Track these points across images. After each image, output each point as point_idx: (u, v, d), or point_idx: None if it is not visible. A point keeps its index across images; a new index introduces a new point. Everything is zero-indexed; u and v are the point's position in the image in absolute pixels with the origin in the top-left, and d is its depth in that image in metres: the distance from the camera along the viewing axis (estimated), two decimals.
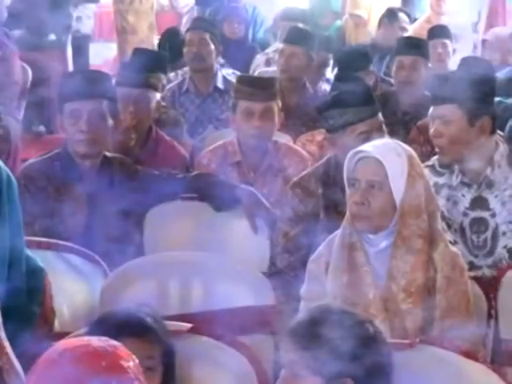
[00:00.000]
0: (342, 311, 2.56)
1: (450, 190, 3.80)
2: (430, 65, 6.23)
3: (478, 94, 3.70)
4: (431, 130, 3.85)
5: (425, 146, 4.61)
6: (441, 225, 3.27)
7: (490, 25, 9.54)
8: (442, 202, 3.75)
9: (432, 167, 3.84)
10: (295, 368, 2.42)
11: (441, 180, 3.82)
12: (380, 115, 4.02)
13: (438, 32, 7.78)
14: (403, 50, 6.22)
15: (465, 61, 6.22)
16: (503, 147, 3.79)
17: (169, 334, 2.66)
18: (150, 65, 5.09)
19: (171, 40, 7.46)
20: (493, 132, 3.77)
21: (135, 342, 2.45)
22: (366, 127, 3.90)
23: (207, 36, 6.62)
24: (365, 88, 4.34)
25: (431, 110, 3.86)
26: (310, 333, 2.43)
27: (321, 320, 2.45)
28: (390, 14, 8.81)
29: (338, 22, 9.93)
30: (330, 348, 2.39)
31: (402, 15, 8.83)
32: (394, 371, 2.53)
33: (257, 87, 4.49)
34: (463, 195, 3.78)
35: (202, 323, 2.99)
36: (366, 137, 3.84)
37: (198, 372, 2.79)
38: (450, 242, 3.65)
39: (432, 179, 3.80)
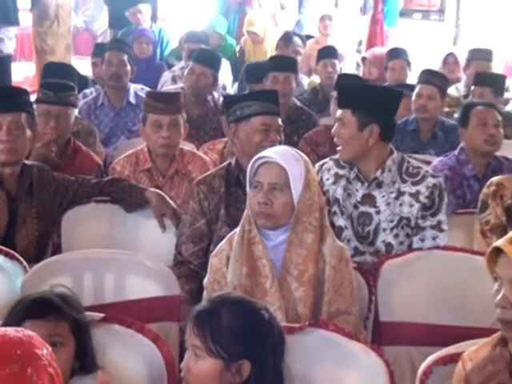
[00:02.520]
0: (239, 299, 2.57)
1: (347, 182, 3.83)
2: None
3: (369, 103, 3.75)
4: (332, 130, 3.91)
5: (312, 155, 4.64)
6: (328, 220, 3.30)
7: (370, 45, 9.72)
8: (339, 190, 3.83)
9: (336, 160, 3.89)
10: (197, 351, 2.42)
11: (341, 172, 3.86)
12: (280, 120, 4.06)
13: (328, 52, 7.88)
14: (277, 66, 6.33)
15: (340, 77, 6.31)
16: (396, 155, 3.82)
17: (79, 308, 2.63)
18: (68, 83, 5.04)
19: None
20: (387, 140, 3.80)
21: (39, 323, 2.47)
22: (269, 121, 3.98)
23: (125, 57, 6.57)
24: (272, 90, 4.50)
25: None
26: (210, 319, 2.43)
27: (220, 308, 2.46)
28: (286, 38, 8.88)
29: (230, 42, 10.08)
30: (229, 333, 2.41)
31: (296, 39, 8.91)
32: (287, 352, 2.55)
33: (164, 102, 4.48)
34: (357, 190, 3.81)
35: (113, 313, 2.96)
36: (266, 129, 3.96)
37: (111, 357, 2.75)
38: (341, 227, 3.75)
39: (334, 169, 3.88)
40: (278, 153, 3.13)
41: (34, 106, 4.29)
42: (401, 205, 3.74)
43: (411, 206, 3.73)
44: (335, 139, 3.85)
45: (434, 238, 3.73)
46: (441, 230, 3.74)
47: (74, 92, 4.97)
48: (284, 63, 6.50)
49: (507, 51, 10.54)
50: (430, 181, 3.75)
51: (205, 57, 6.65)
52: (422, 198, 3.72)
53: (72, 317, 2.55)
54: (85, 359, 2.58)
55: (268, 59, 6.96)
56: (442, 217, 3.75)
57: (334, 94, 5.11)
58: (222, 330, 2.41)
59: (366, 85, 4.31)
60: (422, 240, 3.73)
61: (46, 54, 8.29)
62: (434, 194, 3.73)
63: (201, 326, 2.42)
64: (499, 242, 2.37)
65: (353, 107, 3.75)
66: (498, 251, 2.38)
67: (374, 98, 3.79)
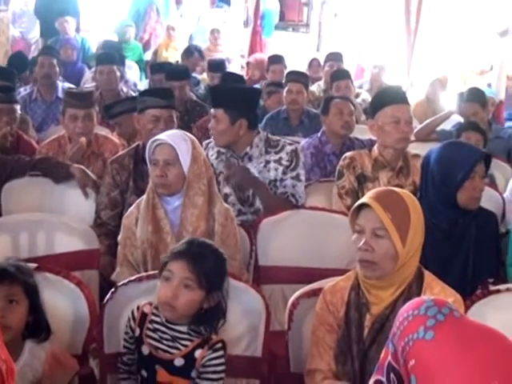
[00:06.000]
0: (204, 242, 2.60)
1: (226, 159, 3.83)
2: None
3: (237, 103, 3.75)
4: (209, 125, 3.90)
5: (203, 138, 4.60)
6: (217, 188, 3.30)
7: (251, 52, 9.75)
8: (222, 164, 3.82)
9: None
10: (189, 283, 2.44)
11: (222, 149, 3.86)
12: (174, 111, 4.02)
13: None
14: (173, 76, 6.26)
15: (225, 75, 6.33)
16: (262, 134, 3.86)
17: (30, 274, 2.54)
18: (10, 85, 5.02)
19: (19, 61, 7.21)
20: (253, 128, 3.81)
21: None
22: (157, 113, 3.93)
23: (54, 61, 6.53)
24: (167, 88, 4.50)
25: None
26: (201, 260, 2.47)
27: (207, 252, 2.51)
28: (188, 51, 8.83)
29: (136, 45, 10.22)
30: (213, 271, 2.49)
31: (196, 53, 8.84)
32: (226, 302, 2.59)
33: (79, 99, 4.40)
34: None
35: (45, 263, 2.91)
36: (156, 120, 3.92)
37: (44, 298, 2.67)
38: (227, 194, 3.76)
39: (217, 148, 3.88)
40: (169, 135, 3.14)
41: None
42: (268, 171, 3.79)
43: (276, 169, 3.79)
44: (211, 132, 3.86)
45: (293, 186, 3.79)
46: (299, 180, 3.81)
47: (15, 92, 5.02)
48: (177, 71, 6.51)
49: (358, 56, 10.71)
50: (289, 148, 3.82)
51: (107, 57, 6.73)
52: (284, 162, 3.78)
53: (24, 280, 2.49)
54: (36, 315, 2.51)
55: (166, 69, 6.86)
56: (300, 171, 3.82)
57: None
58: (209, 269, 2.46)
59: (234, 87, 4.31)
60: (284, 186, 3.79)
61: None
62: (292, 156, 3.79)
63: (195, 264, 2.44)
64: (364, 199, 2.45)
65: (224, 107, 3.74)
66: (360, 207, 2.45)
67: (240, 98, 3.80)
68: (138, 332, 2.56)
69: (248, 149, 3.79)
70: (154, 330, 2.54)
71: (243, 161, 3.80)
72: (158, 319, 2.54)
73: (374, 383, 1.59)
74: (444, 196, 3.20)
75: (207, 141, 3.99)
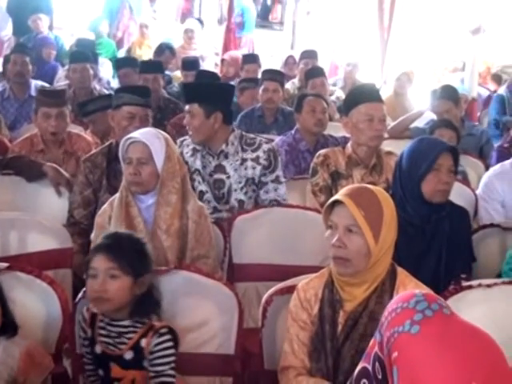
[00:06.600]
0: (118, 232, 2.69)
1: (201, 156, 3.83)
2: None
3: (211, 97, 3.75)
4: (184, 121, 3.88)
5: (177, 136, 4.59)
6: (192, 185, 3.30)
7: (225, 49, 9.72)
8: (198, 162, 3.83)
9: None
10: (114, 272, 2.46)
11: (197, 147, 3.85)
12: (149, 110, 4.00)
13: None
14: (147, 69, 6.30)
15: (199, 73, 6.36)
16: (237, 132, 3.86)
17: None
18: None
19: None
20: (228, 123, 3.81)
21: None
22: (133, 110, 3.91)
23: (27, 59, 6.45)
24: (144, 86, 4.50)
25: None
26: (120, 248, 2.50)
27: (115, 238, 2.55)
28: (159, 49, 8.80)
29: (109, 42, 10.21)
30: (134, 255, 2.52)
31: (167, 50, 8.80)
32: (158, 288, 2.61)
33: (52, 97, 4.38)
34: (210, 162, 3.82)
35: (17, 263, 2.89)
36: (131, 117, 3.90)
37: (15, 298, 2.65)
38: (202, 192, 3.76)
39: (192, 145, 3.87)
40: (142, 133, 3.12)
41: None
42: (245, 169, 3.78)
43: (254, 168, 3.78)
44: (187, 127, 3.84)
45: (275, 189, 3.81)
46: (279, 182, 3.83)
47: None
48: (151, 65, 6.55)
49: (332, 54, 10.73)
50: (265, 146, 3.82)
51: (80, 55, 6.73)
52: (261, 161, 3.78)
53: None
54: (4, 313, 2.49)
55: (140, 63, 6.90)
56: (279, 172, 3.83)
57: None
58: (129, 254, 2.50)
59: (207, 82, 4.31)
60: (267, 192, 3.80)
61: None
62: (270, 156, 3.80)
63: (114, 253, 2.47)
64: (337, 196, 2.45)
65: (198, 101, 3.73)
66: (334, 203, 2.45)
67: (214, 92, 3.80)
68: (90, 333, 2.59)
69: (224, 146, 3.78)
70: (104, 328, 2.56)
71: (219, 158, 3.79)
72: (106, 318, 2.57)
73: (360, 370, 1.60)
74: (411, 189, 3.21)
75: (182, 138, 3.98)
